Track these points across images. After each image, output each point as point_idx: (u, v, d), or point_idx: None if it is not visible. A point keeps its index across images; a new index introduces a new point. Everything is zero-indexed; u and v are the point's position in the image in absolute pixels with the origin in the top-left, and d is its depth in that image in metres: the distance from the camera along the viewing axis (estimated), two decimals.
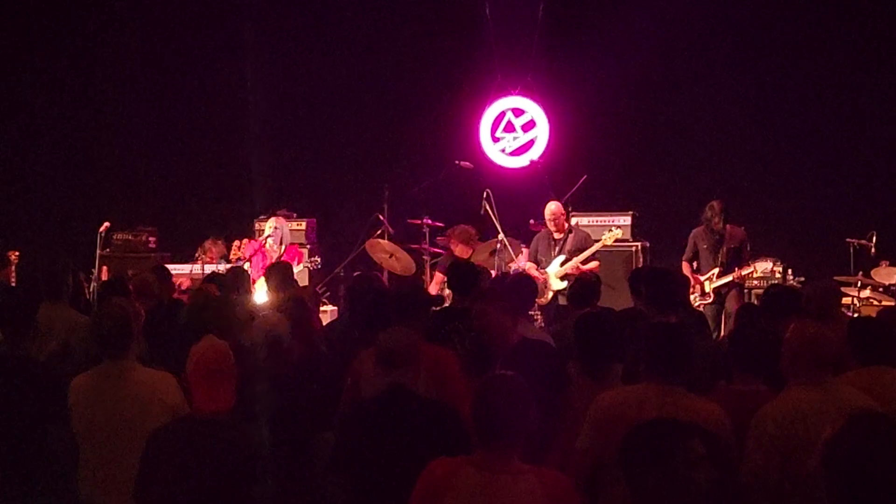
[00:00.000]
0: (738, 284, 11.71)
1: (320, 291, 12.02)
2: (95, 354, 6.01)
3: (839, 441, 3.52)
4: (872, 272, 12.60)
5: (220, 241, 13.47)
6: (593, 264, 11.92)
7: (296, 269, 11.82)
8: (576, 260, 11.86)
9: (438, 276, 12.44)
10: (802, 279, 12.32)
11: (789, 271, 12.66)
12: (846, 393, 5.24)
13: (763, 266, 12.21)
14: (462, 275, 8.30)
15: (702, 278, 11.68)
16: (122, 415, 5.56)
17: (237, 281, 8.92)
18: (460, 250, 12.26)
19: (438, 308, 8.32)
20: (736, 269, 11.62)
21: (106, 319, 5.80)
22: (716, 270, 11.66)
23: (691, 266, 11.87)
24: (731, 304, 11.36)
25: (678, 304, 7.90)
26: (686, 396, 5.33)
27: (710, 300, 11.61)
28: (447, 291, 12.00)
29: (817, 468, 3.58)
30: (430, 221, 13.22)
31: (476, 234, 12.45)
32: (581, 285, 8.60)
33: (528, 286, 8.11)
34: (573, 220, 12.76)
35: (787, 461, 5.05)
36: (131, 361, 5.79)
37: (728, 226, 11.76)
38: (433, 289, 12.28)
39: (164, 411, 5.45)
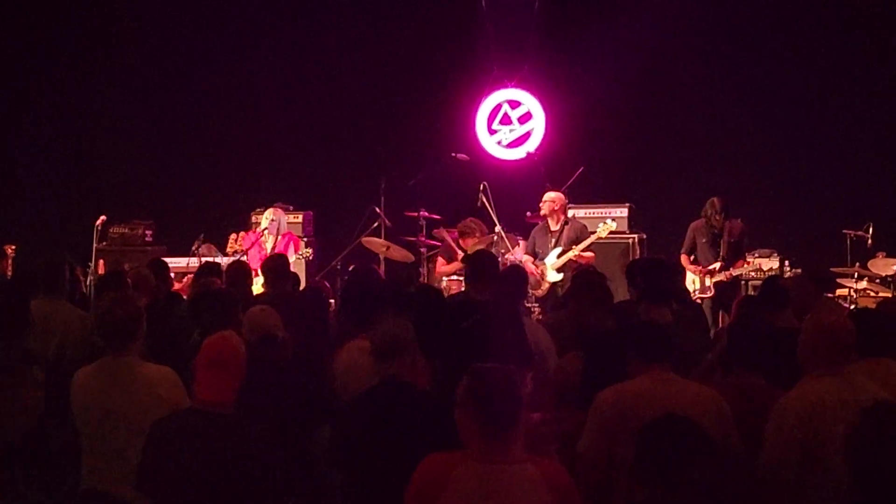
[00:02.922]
0: (737, 283, 11.77)
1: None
2: (97, 348, 6.00)
3: (860, 435, 3.53)
4: (869, 263, 12.61)
5: (212, 246, 13.43)
6: (588, 255, 11.93)
7: (291, 259, 11.83)
8: (571, 252, 11.86)
9: (442, 260, 12.49)
10: (799, 271, 12.32)
11: (786, 263, 12.65)
12: (864, 383, 5.24)
13: (762, 262, 12.20)
14: (484, 266, 8.14)
15: (702, 272, 11.71)
16: (122, 409, 5.55)
17: (238, 274, 8.88)
18: (467, 243, 12.32)
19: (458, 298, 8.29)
20: (740, 262, 11.68)
21: (116, 313, 5.78)
22: (717, 265, 11.68)
23: (689, 259, 11.91)
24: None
25: (673, 295, 7.89)
26: (686, 385, 5.36)
27: (710, 294, 11.64)
28: (444, 280, 12.07)
29: (840, 463, 3.59)
30: (426, 214, 13.22)
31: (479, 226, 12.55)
32: (584, 276, 8.57)
33: (519, 277, 8.08)
34: (570, 213, 12.76)
35: (807, 453, 5.04)
36: (134, 356, 5.77)
37: (727, 220, 11.81)
38: (448, 270, 12.33)
39: (164, 407, 5.43)
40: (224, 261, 11.17)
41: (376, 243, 12.70)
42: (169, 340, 7.22)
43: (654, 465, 3.84)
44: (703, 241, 11.90)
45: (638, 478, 3.88)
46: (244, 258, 11.83)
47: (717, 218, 11.76)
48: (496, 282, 7.85)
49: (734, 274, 11.68)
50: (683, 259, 11.88)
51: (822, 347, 5.29)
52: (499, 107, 15.61)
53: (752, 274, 12.19)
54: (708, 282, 11.68)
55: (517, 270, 8.55)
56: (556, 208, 12.19)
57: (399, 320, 5.67)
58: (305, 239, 13.56)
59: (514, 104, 15.58)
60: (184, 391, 5.56)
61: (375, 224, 13.06)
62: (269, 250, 12.17)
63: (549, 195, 12.28)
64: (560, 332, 7.41)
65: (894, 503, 3.55)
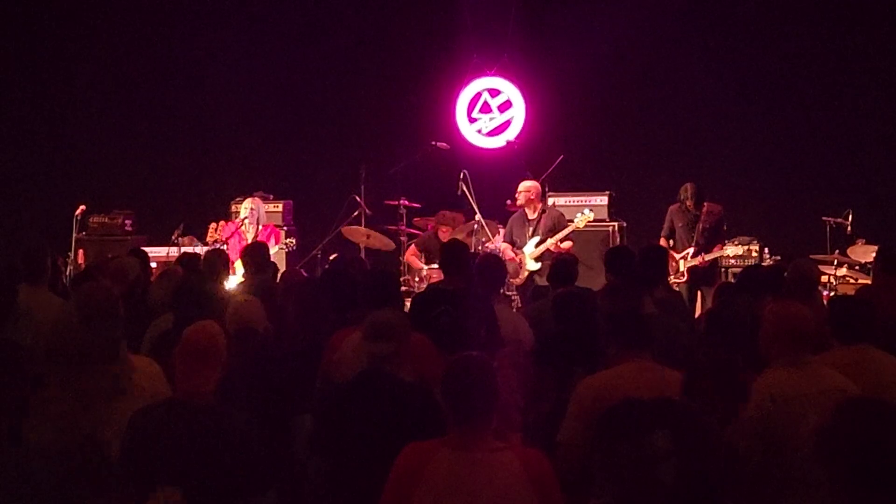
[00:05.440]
0: (714, 266, 11.83)
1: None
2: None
3: (834, 430, 3.51)
4: (849, 250, 12.65)
5: (193, 237, 13.39)
6: (567, 244, 11.92)
7: (272, 250, 11.81)
8: (550, 241, 11.85)
9: (415, 250, 12.47)
10: (778, 258, 12.35)
11: (765, 250, 12.70)
12: (825, 374, 5.18)
13: (734, 249, 12.23)
14: (456, 255, 8.15)
15: (677, 256, 11.75)
16: None
17: (216, 263, 8.83)
18: (446, 233, 12.30)
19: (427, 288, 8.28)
20: (717, 246, 11.74)
21: (98, 297, 5.73)
22: (690, 250, 11.73)
23: (668, 243, 11.94)
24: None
25: (655, 283, 7.89)
26: (665, 372, 5.36)
27: (684, 279, 11.68)
28: (425, 269, 12.06)
29: (811, 457, 3.56)
30: (406, 202, 13.23)
31: (455, 217, 12.55)
32: (560, 265, 8.58)
33: (496, 266, 8.07)
34: (549, 201, 12.77)
35: (769, 444, 4.93)
36: None
37: (706, 203, 11.87)
38: (409, 260, 12.36)
39: (143, 397, 5.39)
40: (203, 251, 11.13)
41: (357, 232, 12.67)
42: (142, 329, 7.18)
43: (606, 450, 3.78)
44: (680, 225, 11.98)
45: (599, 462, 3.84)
46: (224, 248, 11.80)
47: (689, 203, 11.83)
48: (470, 270, 7.86)
49: (707, 259, 11.72)
50: (662, 243, 11.89)
51: (782, 338, 5.20)
52: (479, 95, 15.61)
53: (733, 261, 12.26)
54: (682, 266, 11.72)
55: (493, 258, 8.52)
56: (531, 197, 12.17)
57: (394, 308, 5.69)
58: (286, 228, 13.54)
59: (494, 92, 15.59)
60: (165, 381, 5.53)
61: (356, 213, 13.06)
62: (249, 241, 12.13)
63: (525, 184, 12.25)
64: (539, 321, 7.43)
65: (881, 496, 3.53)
